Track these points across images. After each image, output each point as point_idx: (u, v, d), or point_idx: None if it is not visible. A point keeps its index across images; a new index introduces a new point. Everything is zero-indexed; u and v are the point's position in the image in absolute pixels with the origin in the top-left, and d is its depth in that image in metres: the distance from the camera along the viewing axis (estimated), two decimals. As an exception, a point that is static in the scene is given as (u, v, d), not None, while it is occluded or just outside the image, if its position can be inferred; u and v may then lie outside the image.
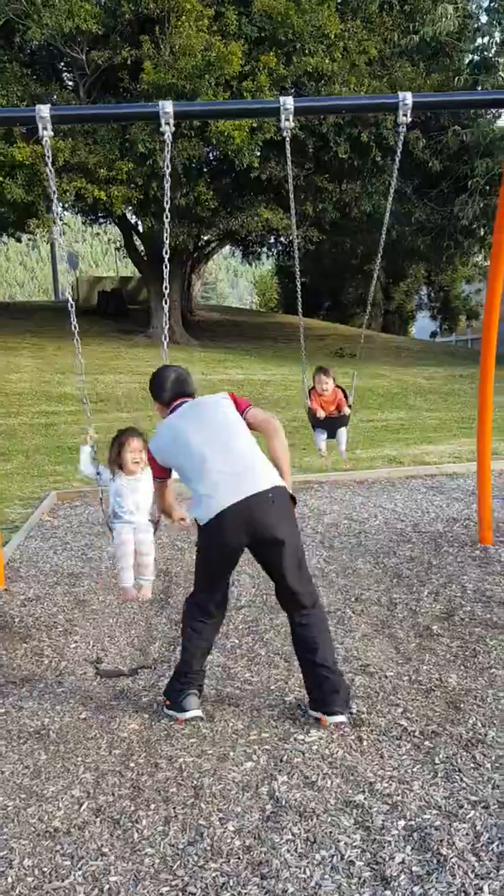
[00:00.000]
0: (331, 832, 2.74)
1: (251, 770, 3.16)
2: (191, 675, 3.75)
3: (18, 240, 22.84)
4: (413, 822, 2.77)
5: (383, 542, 6.67)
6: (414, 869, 2.53)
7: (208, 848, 2.69)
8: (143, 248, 23.39)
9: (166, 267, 4.66)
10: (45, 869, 2.63)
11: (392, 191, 4.65)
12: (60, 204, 18.50)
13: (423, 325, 43.64)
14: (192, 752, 3.33)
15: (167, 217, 4.88)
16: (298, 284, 4.75)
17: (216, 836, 2.75)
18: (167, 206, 4.88)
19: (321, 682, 3.57)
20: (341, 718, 3.54)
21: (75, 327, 4.73)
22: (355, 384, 6.43)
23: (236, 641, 4.62)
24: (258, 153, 17.64)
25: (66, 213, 21.42)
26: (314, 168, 19.37)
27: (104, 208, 17.85)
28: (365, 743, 3.34)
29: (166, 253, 4.80)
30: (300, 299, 4.81)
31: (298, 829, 2.77)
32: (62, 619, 5.24)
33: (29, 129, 14.54)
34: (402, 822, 2.77)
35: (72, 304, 4.77)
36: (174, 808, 2.93)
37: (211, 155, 19.12)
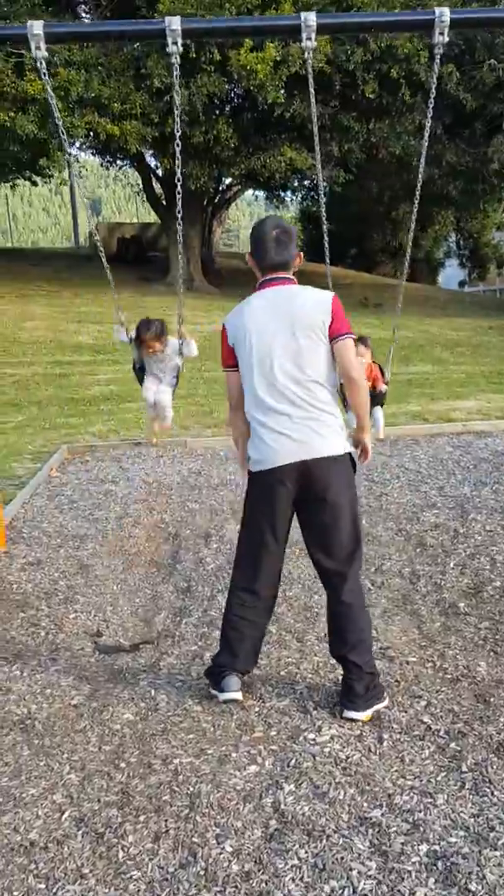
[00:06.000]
0: (342, 857, 2.39)
1: (254, 776, 2.81)
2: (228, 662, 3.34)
3: (35, 183, 22.13)
4: (437, 848, 2.41)
5: (406, 506, 6.26)
6: (438, 907, 2.18)
7: (202, 873, 2.35)
8: (162, 192, 22.67)
9: (179, 194, 4.39)
10: (16, 893, 2.31)
11: (427, 128, 4.21)
12: (74, 141, 17.81)
13: (451, 274, 42.50)
14: (190, 750, 2.98)
15: (178, 145, 4.42)
16: (325, 229, 4.38)
17: (211, 857, 2.41)
18: (178, 134, 4.42)
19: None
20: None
21: (107, 268, 4.94)
22: (392, 356, 5.55)
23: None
24: (282, 89, 16.80)
25: (80, 152, 20.67)
26: (340, 106, 18.47)
27: (119, 146, 17.11)
28: (385, 744, 2.98)
29: (178, 180, 4.48)
30: (326, 246, 4.47)
31: (306, 852, 2.42)
32: (63, 586, 4.92)
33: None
34: (424, 847, 2.41)
35: (101, 250, 4.94)
36: (166, 820, 2.59)
37: (232, 92, 18.29)
